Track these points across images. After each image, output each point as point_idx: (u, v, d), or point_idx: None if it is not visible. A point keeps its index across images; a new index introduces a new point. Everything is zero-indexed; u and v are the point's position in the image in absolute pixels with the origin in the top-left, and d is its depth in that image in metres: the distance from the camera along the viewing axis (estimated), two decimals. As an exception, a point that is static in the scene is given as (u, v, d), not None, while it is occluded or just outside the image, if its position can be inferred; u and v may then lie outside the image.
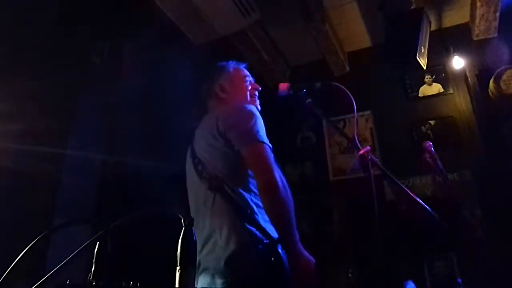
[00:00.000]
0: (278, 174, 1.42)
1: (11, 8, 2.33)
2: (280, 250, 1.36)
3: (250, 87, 1.83)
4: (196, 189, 1.61)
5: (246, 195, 1.47)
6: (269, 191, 1.38)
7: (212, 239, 1.44)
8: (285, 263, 1.34)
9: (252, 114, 1.57)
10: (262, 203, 1.42)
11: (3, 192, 2.21)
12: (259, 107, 1.81)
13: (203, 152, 1.61)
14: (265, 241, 1.38)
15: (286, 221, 1.37)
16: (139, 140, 2.95)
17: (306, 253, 1.39)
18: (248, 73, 1.88)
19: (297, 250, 1.36)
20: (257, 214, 1.44)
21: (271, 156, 1.45)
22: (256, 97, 1.83)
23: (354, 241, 3.47)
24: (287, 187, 1.48)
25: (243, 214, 1.43)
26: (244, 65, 1.91)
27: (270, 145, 1.50)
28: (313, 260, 1.41)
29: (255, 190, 1.48)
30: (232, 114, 1.61)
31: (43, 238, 0.91)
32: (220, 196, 1.48)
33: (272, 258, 1.33)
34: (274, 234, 1.41)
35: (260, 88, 1.85)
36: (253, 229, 1.40)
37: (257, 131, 1.50)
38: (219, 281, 1.34)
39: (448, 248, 3.13)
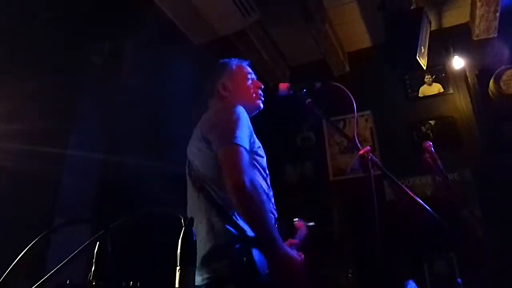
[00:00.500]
0: (249, 177, 1.37)
1: (11, 8, 2.33)
2: (254, 251, 1.35)
3: (253, 85, 1.82)
4: (189, 187, 1.64)
5: (227, 196, 1.46)
6: (236, 192, 1.36)
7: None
8: (257, 264, 1.32)
9: (233, 115, 1.53)
10: (234, 205, 1.42)
11: (3, 192, 2.21)
12: (262, 106, 1.81)
13: (191, 152, 1.64)
14: (240, 241, 1.38)
15: (257, 221, 1.35)
16: (139, 140, 2.95)
17: (290, 251, 1.38)
18: (251, 71, 1.87)
19: (276, 249, 1.33)
20: (235, 215, 1.45)
21: (243, 158, 1.42)
22: (260, 96, 1.82)
23: (354, 241, 3.48)
24: (260, 189, 1.43)
25: (223, 214, 1.44)
26: (247, 63, 1.90)
27: (246, 147, 1.46)
28: (299, 258, 1.41)
29: None
30: (214, 116, 1.61)
31: (43, 238, 0.91)
32: (203, 196, 1.51)
33: (244, 259, 1.32)
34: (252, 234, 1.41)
35: (263, 86, 1.84)
36: (232, 229, 1.40)
37: (234, 134, 1.46)
38: (198, 278, 1.36)
39: (448, 248, 3.13)
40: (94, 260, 0.88)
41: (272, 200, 1.64)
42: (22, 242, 0.90)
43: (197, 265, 1.37)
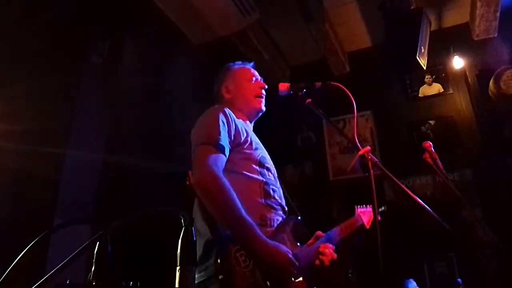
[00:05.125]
0: (212, 173, 1.37)
1: (11, 9, 2.33)
2: (228, 253, 1.34)
3: (255, 86, 1.82)
4: None
5: None
6: (199, 191, 1.39)
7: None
8: (233, 262, 1.31)
9: (210, 116, 1.56)
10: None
11: (3, 192, 2.21)
12: (263, 108, 1.81)
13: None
14: (221, 242, 1.38)
15: (225, 219, 1.36)
16: (139, 140, 2.96)
17: (271, 243, 1.36)
18: (255, 72, 1.87)
19: (255, 246, 1.32)
20: None
21: (206, 155, 1.42)
22: (262, 97, 1.81)
23: (354, 241, 3.47)
24: (226, 185, 1.39)
25: (206, 216, 1.45)
26: (251, 64, 1.90)
27: (219, 144, 1.45)
28: (285, 249, 1.38)
29: None
30: (198, 119, 1.63)
31: (43, 238, 0.91)
32: (197, 199, 1.53)
33: (218, 260, 1.32)
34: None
35: (266, 87, 1.84)
36: (212, 231, 1.42)
37: (202, 134, 1.49)
38: (196, 275, 1.38)
39: (448, 248, 3.13)
40: (94, 260, 0.88)
41: (277, 192, 1.62)
42: (22, 242, 0.90)
43: None
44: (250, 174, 1.55)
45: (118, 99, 2.92)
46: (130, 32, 3.06)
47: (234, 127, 1.57)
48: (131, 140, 2.88)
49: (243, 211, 1.35)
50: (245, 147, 1.59)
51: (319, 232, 1.69)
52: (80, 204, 2.52)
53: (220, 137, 1.47)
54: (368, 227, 2.03)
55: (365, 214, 2.07)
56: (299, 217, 1.67)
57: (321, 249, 1.59)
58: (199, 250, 1.40)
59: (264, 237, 1.36)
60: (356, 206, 2.12)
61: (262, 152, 1.66)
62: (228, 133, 1.53)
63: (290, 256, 1.39)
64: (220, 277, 1.29)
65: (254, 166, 1.58)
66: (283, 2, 3.38)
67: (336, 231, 1.82)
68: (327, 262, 1.56)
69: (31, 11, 2.46)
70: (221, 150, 1.46)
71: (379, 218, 2.15)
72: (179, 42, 3.30)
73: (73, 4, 2.62)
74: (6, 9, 2.29)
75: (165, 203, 1.44)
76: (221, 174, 1.40)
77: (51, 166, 2.35)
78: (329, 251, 1.59)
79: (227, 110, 1.59)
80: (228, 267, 1.30)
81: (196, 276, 1.36)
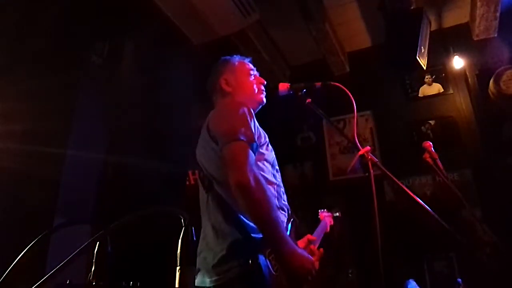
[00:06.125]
0: (252, 174, 1.33)
1: (11, 9, 2.33)
2: (260, 255, 1.33)
3: (255, 81, 1.81)
4: (200, 189, 1.63)
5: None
6: (238, 191, 1.32)
7: (204, 240, 1.46)
8: (262, 266, 1.30)
9: (237, 111, 1.50)
10: (239, 204, 1.38)
11: (3, 192, 2.21)
12: (265, 100, 1.80)
13: (198, 152, 1.62)
14: (246, 243, 1.37)
15: (262, 220, 1.32)
16: (139, 140, 2.95)
17: (299, 249, 1.37)
18: (253, 67, 1.86)
19: (283, 249, 1.32)
20: (243, 216, 1.43)
21: (246, 155, 1.37)
22: (263, 91, 1.81)
23: (354, 241, 3.48)
24: (266, 186, 1.38)
25: (230, 215, 1.43)
26: (249, 59, 1.89)
27: (251, 143, 1.41)
28: (310, 257, 1.39)
29: None
30: (219, 113, 1.59)
31: (43, 238, 0.91)
32: (212, 197, 1.49)
33: (250, 261, 1.30)
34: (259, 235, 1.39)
35: (265, 82, 1.83)
36: (238, 231, 1.39)
37: (238, 130, 1.42)
38: (207, 280, 1.36)
39: (448, 248, 3.13)
40: (94, 260, 0.88)
41: (284, 196, 1.62)
42: (22, 242, 0.90)
43: (206, 267, 1.37)
44: (268, 177, 1.53)
45: (118, 99, 2.92)
46: (130, 32, 3.06)
47: (256, 127, 1.55)
48: (131, 140, 2.88)
49: (277, 213, 1.36)
50: (263, 148, 1.58)
51: (309, 236, 1.71)
52: (80, 204, 2.52)
53: (254, 135, 1.45)
54: (327, 230, 2.23)
55: (327, 218, 2.30)
56: (295, 219, 1.68)
57: (315, 252, 1.61)
58: (220, 251, 1.37)
59: (292, 241, 1.37)
60: (319, 210, 2.38)
61: (273, 154, 1.66)
62: (255, 132, 1.50)
63: (312, 260, 1.40)
64: (249, 278, 1.29)
65: (270, 168, 1.58)
66: (283, 2, 3.38)
67: (317, 235, 1.94)
68: (317, 266, 1.55)
69: (31, 11, 2.46)
70: (254, 149, 1.43)
71: (332, 222, 2.34)
72: (179, 42, 3.30)
73: (73, 4, 2.62)
74: (6, 9, 2.29)
75: (165, 203, 1.44)
76: (258, 174, 1.37)
77: (51, 166, 2.35)
78: (320, 254, 1.62)
79: (249, 109, 1.55)
80: (260, 268, 1.29)
81: (217, 277, 1.34)
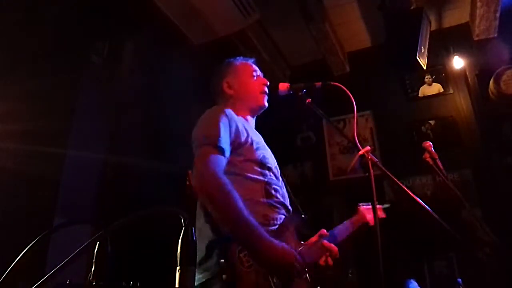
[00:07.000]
0: (213, 177, 1.35)
1: (11, 9, 2.33)
2: (231, 254, 1.33)
3: (258, 82, 1.81)
4: None
5: None
6: (200, 192, 1.38)
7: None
8: (233, 266, 1.30)
9: (211, 117, 1.55)
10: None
11: (3, 192, 2.21)
12: (266, 104, 1.80)
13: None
14: (222, 243, 1.37)
15: (228, 221, 1.33)
16: (139, 140, 2.95)
17: (281, 245, 1.35)
18: (256, 68, 1.86)
19: (258, 246, 1.31)
20: None
21: (207, 159, 1.40)
22: (266, 93, 1.81)
23: (354, 241, 3.47)
24: (228, 188, 1.37)
25: (209, 217, 1.44)
26: (252, 60, 1.89)
27: (219, 146, 1.44)
28: (291, 251, 1.37)
29: None
30: (199, 120, 1.62)
31: (43, 238, 0.91)
32: (199, 201, 1.54)
33: (222, 260, 1.31)
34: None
35: (268, 83, 1.83)
36: (215, 232, 1.41)
37: (205, 135, 1.48)
38: (197, 276, 1.38)
39: (448, 248, 3.13)
40: (94, 260, 0.88)
41: (280, 192, 1.60)
42: (22, 242, 0.90)
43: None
44: (252, 175, 1.54)
45: (118, 99, 2.92)
46: (130, 32, 3.06)
47: (234, 128, 1.56)
48: (131, 140, 2.88)
49: (245, 212, 1.34)
50: (245, 148, 1.58)
51: (323, 230, 1.66)
52: (80, 204, 2.52)
53: (221, 138, 1.46)
54: (372, 224, 1.98)
55: (368, 211, 2.02)
56: (302, 215, 1.67)
57: (325, 247, 1.56)
58: (201, 251, 1.40)
59: (269, 236, 1.35)
60: (359, 204, 2.08)
61: (263, 152, 1.65)
62: (229, 134, 1.52)
63: (296, 254, 1.38)
64: (224, 277, 1.29)
65: (255, 167, 1.57)
66: (283, 2, 3.38)
67: (340, 230, 1.81)
68: (331, 262, 1.55)
69: (31, 11, 2.46)
70: (222, 151, 1.45)
71: (384, 215, 2.12)
72: (179, 42, 3.30)
73: (73, 4, 2.62)
74: (6, 9, 2.29)
75: (165, 203, 1.44)
76: (222, 175, 1.38)
77: (51, 166, 2.35)
78: (333, 249, 1.57)
79: (228, 111, 1.59)
80: (232, 267, 1.29)
81: (199, 276, 1.37)
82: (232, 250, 1.32)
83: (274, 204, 1.55)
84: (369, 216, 2.01)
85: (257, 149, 1.63)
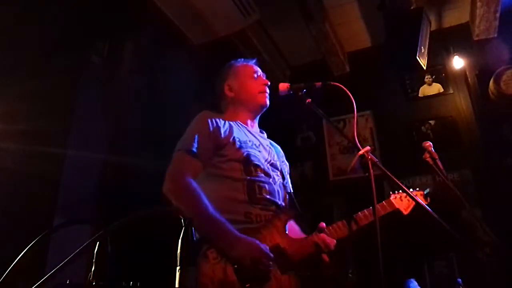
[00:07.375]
0: (178, 180, 1.47)
1: (11, 9, 2.33)
2: (201, 250, 1.39)
3: (259, 82, 1.82)
4: None
5: None
6: (168, 196, 1.46)
7: None
8: (202, 262, 1.36)
9: (190, 125, 1.65)
10: None
11: (3, 192, 2.21)
12: (267, 103, 1.81)
13: None
14: (195, 242, 1.43)
15: (195, 219, 1.30)
16: (139, 140, 2.95)
17: (249, 240, 1.38)
18: (257, 68, 1.87)
19: (226, 242, 1.37)
20: None
21: (178, 163, 1.54)
22: (266, 93, 1.82)
23: (354, 241, 3.47)
24: (192, 190, 1.45)
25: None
26: (253, 61, 1.91)
27: (190, 148, 1.54)
28: (259, 246, 1.38)
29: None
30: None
31: (43, 238, 0.91)
32: None
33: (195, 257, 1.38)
34: None
35: (269, 83, 1.84)
36: (194, 233, 1.46)
37: (181, 140, 1.60)
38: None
39: (448, 248, 3.13)
40: (94, 260, 0.88)
41: (267, 189, 1.59)
42: (22, 242, 0.90)
43: None
44: (232, 175, 1.57)
45: (118, 99, 2.92)
46: (130, 32, 3.06)
47: (214, 131, 1.61)
48: (131, 140, 2.88)
49: (210, 210, 1.40)
50: (227, 147, 1.61)
51: (322, 224, 1.62)
52: (80, 204, 2.52)
53: (194, 143, 1.55)
54: (406, 213, 1.82)
55: (401, 198, 1.84)
56: (298, 211, 1.66)
57: (317, 242, 1.53)
58: None
59: (237, 232, 1.39)
60: (390, 193, 1.88)
61: (249, 151, 1.63)
62: (208, 138, 1.59)
63: (263, 248, 1.38)
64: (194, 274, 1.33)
65: (237, 166, 1.59)
66: (283, 2, 3.38)
67: (368, 212, 1.68)
68: (326, 258, 1.54)
69: (31, 11, 2.46)
70: (194, 155, 1.54)
71: (426, 201, 1.85)
72: (179, 42, 3.30)
73: (73, 4, 2.62)
74: (6, 9, 2.29)
75: (165, 203, 1.45)
76: (187, 178, 1.47)
77: (51, 166, 2.35)
78: (327, 243, 1.53)
79: (207, 115, 1.67)
80: (199, 265, 1.35)
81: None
82: (200, 248, 1.39)
83: (258, 201, 1.55)
84: (403, 205, 1.83)
85: (241, 147, 1.63)
